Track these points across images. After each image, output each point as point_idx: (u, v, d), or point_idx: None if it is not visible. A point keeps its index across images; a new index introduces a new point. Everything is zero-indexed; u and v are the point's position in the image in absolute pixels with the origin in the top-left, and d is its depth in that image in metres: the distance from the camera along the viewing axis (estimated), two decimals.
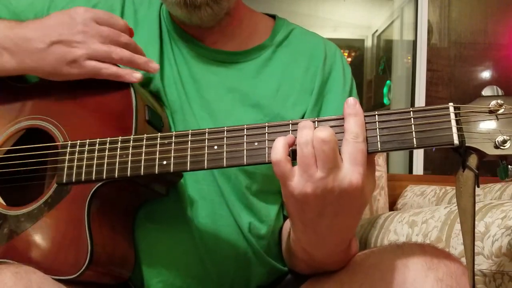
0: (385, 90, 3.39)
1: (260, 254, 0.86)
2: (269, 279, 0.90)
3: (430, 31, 2.91)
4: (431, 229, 1.13)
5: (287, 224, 0.88)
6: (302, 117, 0.88)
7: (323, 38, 0.98)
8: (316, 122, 0.63)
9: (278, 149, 0.60)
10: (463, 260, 0.91)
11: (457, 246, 1.01)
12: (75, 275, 0.70)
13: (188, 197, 0.82)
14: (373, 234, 1.38)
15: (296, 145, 0.60)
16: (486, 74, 2.96)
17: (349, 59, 3.95)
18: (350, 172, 0.58)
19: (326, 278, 0.76)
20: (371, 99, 3.67)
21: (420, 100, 2.87)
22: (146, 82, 0.84)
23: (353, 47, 3.96)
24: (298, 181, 0.59)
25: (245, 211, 0.85)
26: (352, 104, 0.61)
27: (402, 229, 1.25)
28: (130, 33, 0.80)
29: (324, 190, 0.58)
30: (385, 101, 3.38)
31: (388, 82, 3.35)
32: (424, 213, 1.22)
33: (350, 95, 0.93)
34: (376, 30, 3.78)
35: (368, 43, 3.89)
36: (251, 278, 0.87)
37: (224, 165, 0.65)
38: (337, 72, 0.93)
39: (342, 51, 0.99)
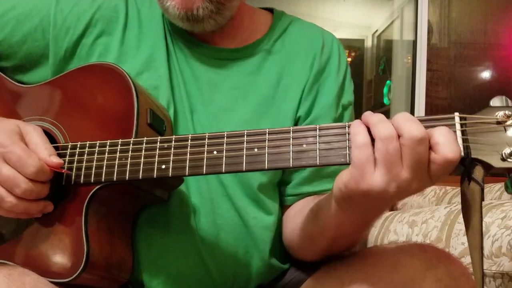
0: (385, 90, 3.39)
1: (261, 249, 0.86)
2: (269, 277, 0.90)
3: (430, 31, 2.91)
4: (431, 229, 1.13)
5: (306, 205, 0.83)
6: (299, 104, 0.88)
7: (321, 28, 0.99)
8: (318, 129, 0.62)
9: (361, 132, 0.58)
10: (463, 260, 0.91)
11: (457, 246, 1.01)
12: (71, 278, 0.69)
13: (188, 197, 0.82)
14: (373, 234, 1.38)
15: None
16: (486, 74, 2.96)
17: (349, 59, 3.94)
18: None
19: (327, 277, 0.77)
20: (371, 99, 3.67)
21: (420, 100, 2.87)
22: (149, 82, 0.84)
23: (353, 47, 3.96)
24: (380, 180, 0.57)
25: (252, 205, 0.85)
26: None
27: (402, 229, 1.26)
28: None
29: (407, 189, 0.57)
30: (385, 101, 3.38)
31: (388, 82, 3.35)
32: (424, 213, 1.23)
33: (343, 83, 0.93)
34: (376, 30, 3.78)
35: (368, 43, 3.89)
36: (251, 276, 0.87)
37: (223, 170, 0.65)
38: (333, 60, 0.93)
39: None
